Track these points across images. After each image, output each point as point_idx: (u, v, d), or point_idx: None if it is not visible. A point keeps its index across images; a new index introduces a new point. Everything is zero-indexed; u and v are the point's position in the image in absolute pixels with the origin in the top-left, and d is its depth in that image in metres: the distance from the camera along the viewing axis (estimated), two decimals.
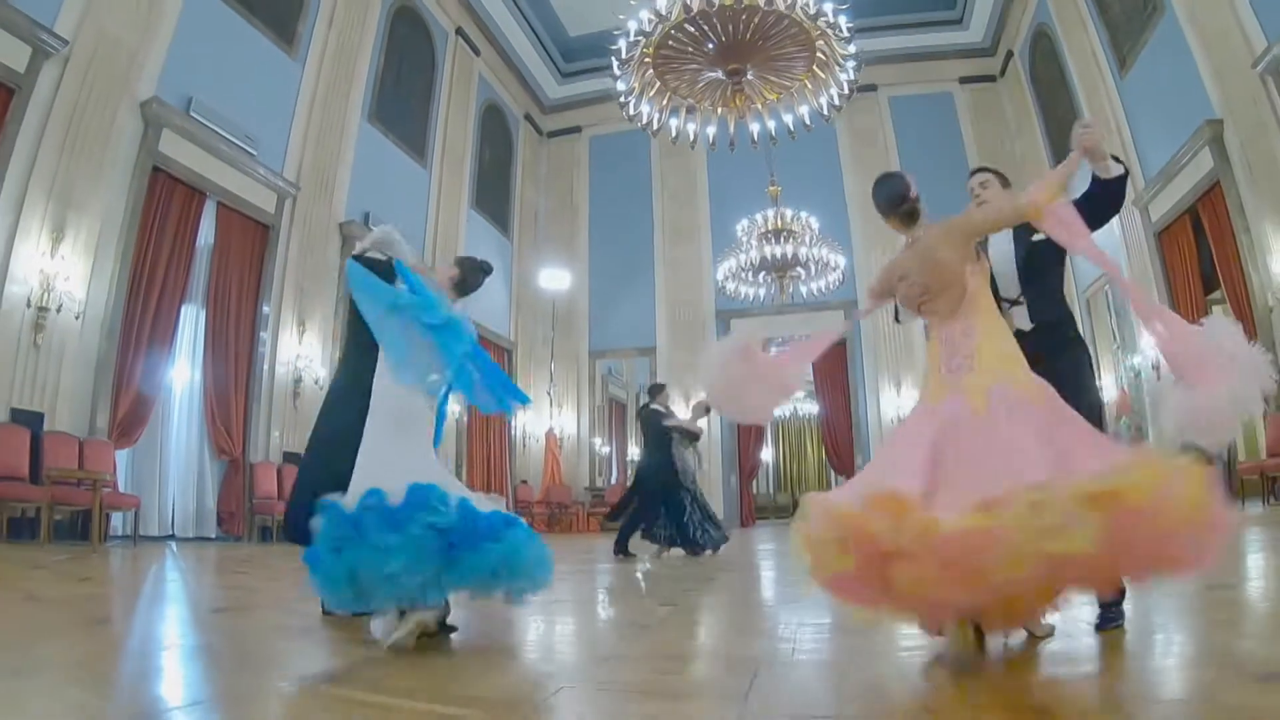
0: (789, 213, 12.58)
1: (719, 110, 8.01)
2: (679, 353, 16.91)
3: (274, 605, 4.01)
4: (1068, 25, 13.91)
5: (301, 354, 11.32)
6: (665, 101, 8.12)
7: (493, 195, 17.48)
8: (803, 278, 13.06)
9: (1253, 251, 9.78)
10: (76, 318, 8.12)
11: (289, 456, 10.66)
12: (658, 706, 1.80)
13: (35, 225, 7.76)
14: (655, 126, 8.27)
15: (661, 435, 8.06)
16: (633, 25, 7.34)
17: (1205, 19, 10.29)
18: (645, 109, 8.02)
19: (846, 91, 7.88)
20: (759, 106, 7.96)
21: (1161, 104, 11.65)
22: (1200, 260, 11.21)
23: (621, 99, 7.75)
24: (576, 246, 18.51)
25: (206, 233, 10.09)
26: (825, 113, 7.95)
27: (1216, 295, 11.22)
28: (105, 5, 8.45)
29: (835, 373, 16.52)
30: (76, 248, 8.16)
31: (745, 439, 16.82)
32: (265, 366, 10.79)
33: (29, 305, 7.64)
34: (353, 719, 1.69)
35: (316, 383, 11.39)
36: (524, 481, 16.47)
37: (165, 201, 9.33)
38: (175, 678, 2.24)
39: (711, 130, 8.36)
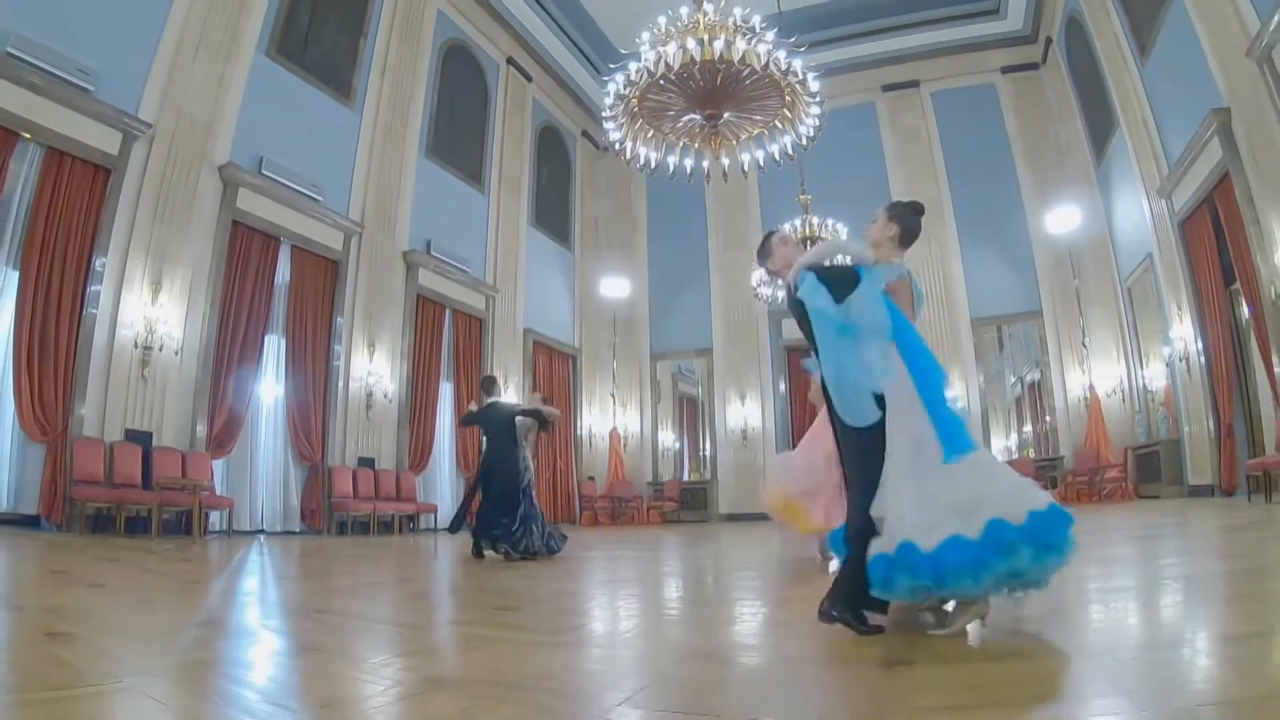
0: (815, 220, 13.35)
1: (696, 146, 9.15)
2: (733, 352, 18.26)
3: (303, 578, 5.72)
4: (1094, 11, 14.15)
5: (372, 371, 13.23)
6: (650, 139, 9.30)
7: (552, 210, 19.19)
8: None
9: (1261, 242, 9.92)
10: (175, 353, 10.18)
11: (363, 461, 12.62)
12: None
13: (137, 280, 9.82)
14: (653, 166, 9.40)
15: (510, 429, 7.93)
16: (620, 78, 8.45)
17: (1206, 3, 10.35)
18: (641, 150, 9.21)
19: (813, 134, 8.86)
20: (734, 144, 9.07)
21: (1178, 92, 11.82)
22: (1220, 251, 11.33)
23: (616, 145, 9.00)
24: (636, 254, 20.03)
25: (283, 271, 12.09)
26: (790, 152, 8.99)
27: (1238, 286, 11.07)
28: (180, 87, 10.46)
29: None
30: (172, 295, 10.21)
31: (799, 435, 17.92)
32: (340, 383, 12.74)
33: (135, 346, 9.71)
34: None
35: (386, 396, 13.33)
36: (590, 478, 18.18)
37: (245, 249, 11.36)
38: (246, 609, 3.91)
39: (690, 163, 9.46)
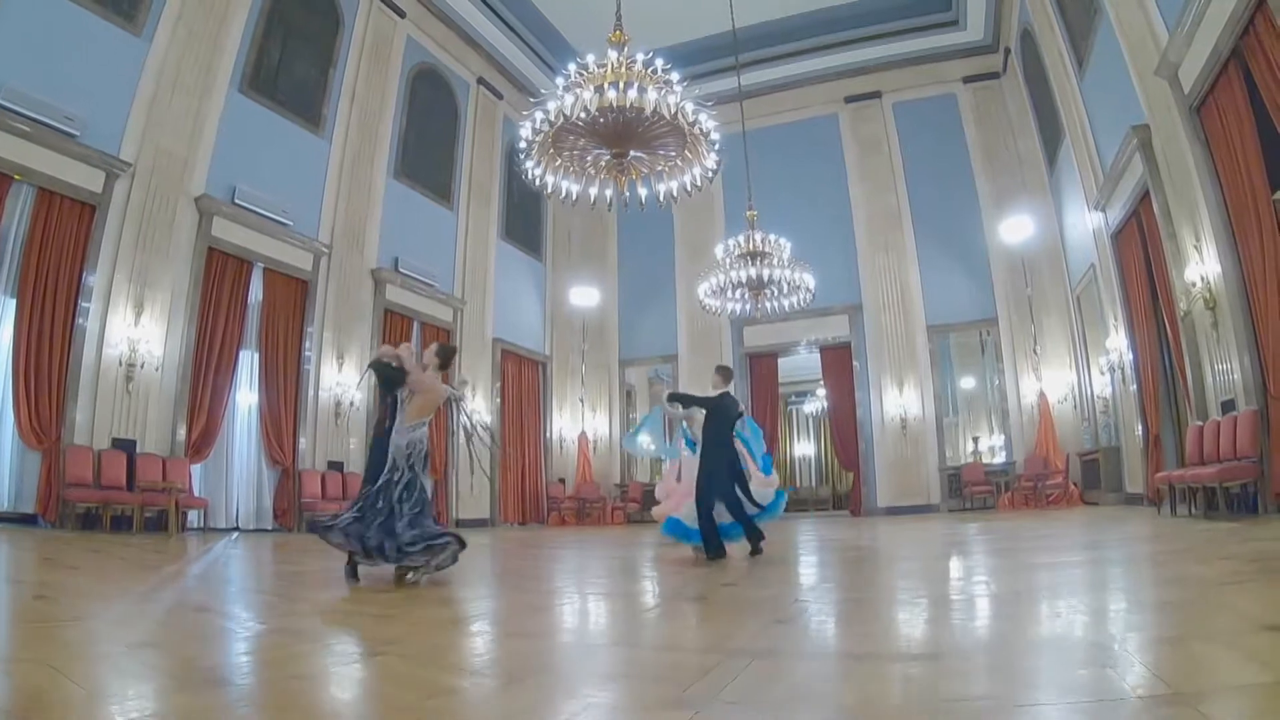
0: (758, 236, 14.19)
1: (602, 178, 10.44)
2: (698, 358, 19.79)
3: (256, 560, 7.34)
4: (1040, 24, 15.05)
5: (340, 382, 14.87)
6: (567, 171, 10.64)
7: (523, 223, 20.83)
8: (774, 295, 14.75)
9: (1177, 258, 10.52)
10: (156, 369, 11.85)
11: (332, 465, 14.28)
12: None
13: (121, 304, 11.49)
14: (574, 197, 10.62)
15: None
16: (539, 115, 9.70)
17: (1127, 20, 10.85)
18: (560, 182, 10.55)
19: (710, 178, 10.16)
20: (636, 178, 10.34)
21: (1110, 106, 12.39)
22: (1148, 264, 11.91)
23: (528, 174, 10.34)
24: (607, 264, 21.72)
25: (256, 292, 13.75)
26: (688, 189, 10.26)
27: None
28: (158, 127, 12.12)
29: (841, 372, 19.00)
30: (154, 317, 11.88)
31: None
32: (310, 393, 14.38)
33: (120, 363, 11.39)
34: None
35: (353, 405, 14.97)
36: (560, 480, 19.84)
37: (220, 273, 13.03)
38: (175, 584, 5.51)
39: (609, 193, 10.67)
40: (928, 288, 18.54)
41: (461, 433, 6.78)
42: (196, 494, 12.10)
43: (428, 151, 18.03)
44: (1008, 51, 18.24)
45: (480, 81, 19.38)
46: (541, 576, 6.53)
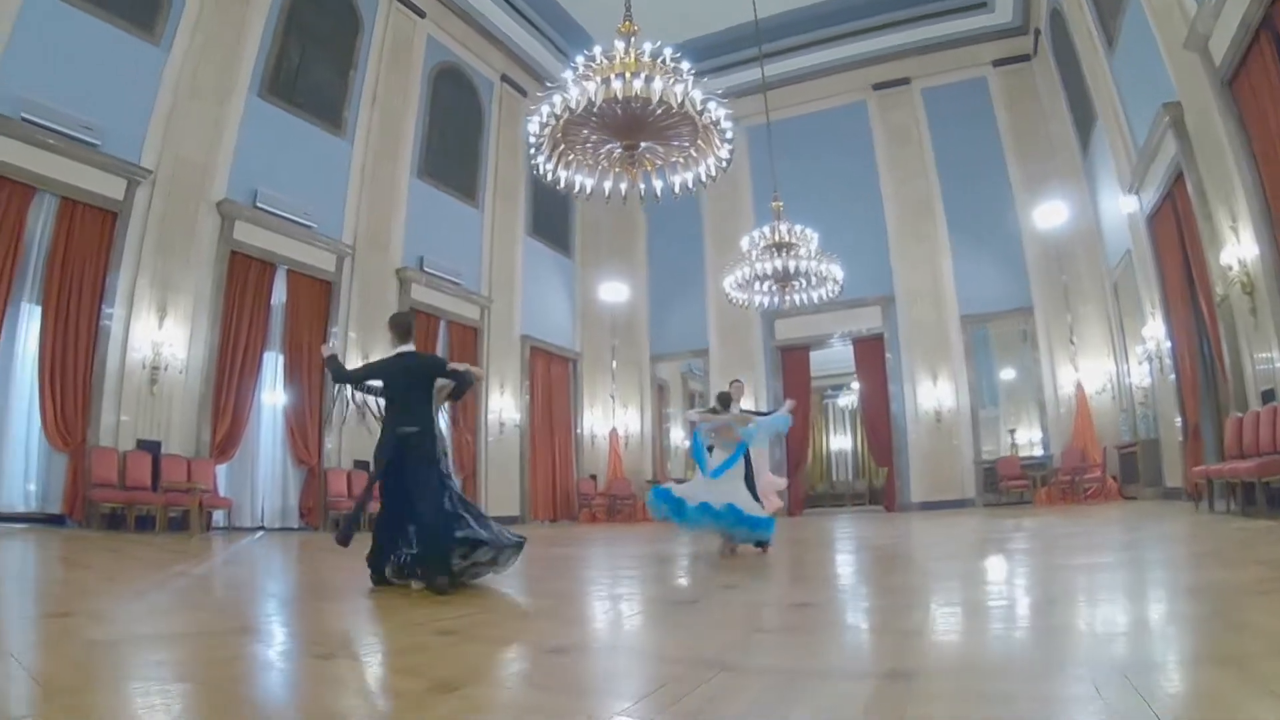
0: (784, 227, 14.09)
1: (616, 171, 10.46)
2: (728, 352, 19.83)
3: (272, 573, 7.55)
4: (1069, 3, 14.71)
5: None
6: (575, 163, 10.66)
7: (551, 220, 20.96)
8: (802, 287, 14.68)
9: (1213, 240, 10.20)
10: (180, 372, 12.18)
11: (358, 464, 14.54)
12: None
13: (144, 309, 11.83)
14: (576, 189, 10.66)
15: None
16: (546, 109, 9.71)
17: None
18: (571, 176, 10.57)
19: (724, 166, 10.12)
20: (650, 170, 10.35)
21: (1141, 84, 12.10)
22: (1184, 248, 11.55)
23: (540, 169, 10.37)
24: (636, 258, 21.79)
25: (279, 293, 14.05)
26: (703, 180, 10.24)
27: None
28: (177, 134, 12.44)
29: (873, 364, 18.88)
30: (177, 320, 12.20)
31: (793, 430, 19.34)
32: (335, 393, 14.62)
33: (144, 366, 11.72)
34: None
35: (380, 404, 15.17)
36: (592, 476, 19.98)
37: (243, 276, 13.33)
38: (175, 580, 5.70)
39: (623, 186, 10.67)
40: (961, 277, 18.28)
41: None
42: (221, 494, 12.40)
43: (452, 150, 18.24)
44: (1037, 33, 17.92)
45: (504, 79, 19.54)
46: (535, 577, 6.62)
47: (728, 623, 3.74)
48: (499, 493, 17.52)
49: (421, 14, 17.13)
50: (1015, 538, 8.44)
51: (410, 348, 5.53)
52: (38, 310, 10.77)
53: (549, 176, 10.14)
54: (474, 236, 18.53)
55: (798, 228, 14.14)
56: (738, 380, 9.34)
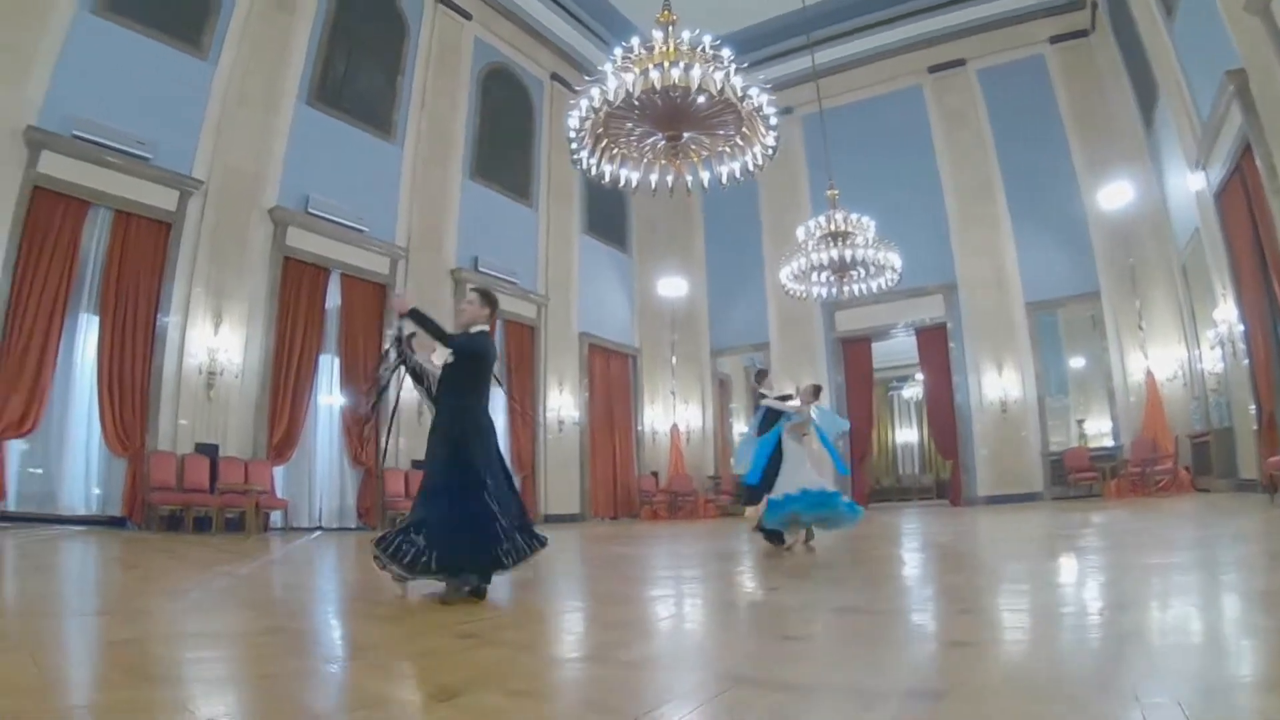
0: (840, 215, 13.78)
1: (661, 163, 10.32)
2: (789, 345, 19.59)
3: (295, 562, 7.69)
4: None
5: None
6: (619, 156, 10.59)
7: (606, 217, 20.96)
8: (861, 277, 14.35)
9: None
10: (236, 376, 12.50)
11: (415, 464, 14.73)
12: None
13: (200, 316, 12.17)
14: (621, 183, 10.45)
15: None
16: (584, 103, 9.65)
17: None
18: (608, 167, 10.48)
19: (770, 154, 9.91)
20: (696, 161, 10.21)
21: (1203, 53, 11.60)
22: (1255, 226, 10.90)
23: (582, 164, 10.27)
24: (694, 253, 21.67)
25: (334, 297, 14.32)
26: (750, 169, 10.04)
27: None
28: (227, 144, 12.78)
29: (937, 354, 18.41)
30: (232, 326, 12.53)
31: (856, 423, 18.96)
32: (392, 394, 14.82)
33: (200, 372, 12.06)
34: None
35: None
36: (653, 473, 19.91)
37: (296, 281, 13.62)
38: (214, 581, 5.85)
39: (663, 178, 10.54)
40: (1024, 263, 17.64)
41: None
42: (279, 495, 12.69)
43: (504, 150, 18.37)
44: (1094, 6, 17.23)
45: (554, 78, 19.61)
46: (578, 577, 6.56)
47: (760, 630, 3.63)
48: (558, 491, 17.59)
49: (468, 16, 17.30)
50: (1082, 534, 8.03)
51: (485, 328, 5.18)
52: (96, 320, 11.18)
53: (592, 171, 10.05)
54: (529, 236, 18.64)
55: (854, 216, 13.85)
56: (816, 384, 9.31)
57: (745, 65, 8.78)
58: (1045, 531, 8.84)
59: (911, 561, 6.84)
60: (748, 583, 5.61)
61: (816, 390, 8.62)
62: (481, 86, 17.94)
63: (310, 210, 13.89)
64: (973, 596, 4.25)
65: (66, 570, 6.68)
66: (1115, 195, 16.25)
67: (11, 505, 10.03)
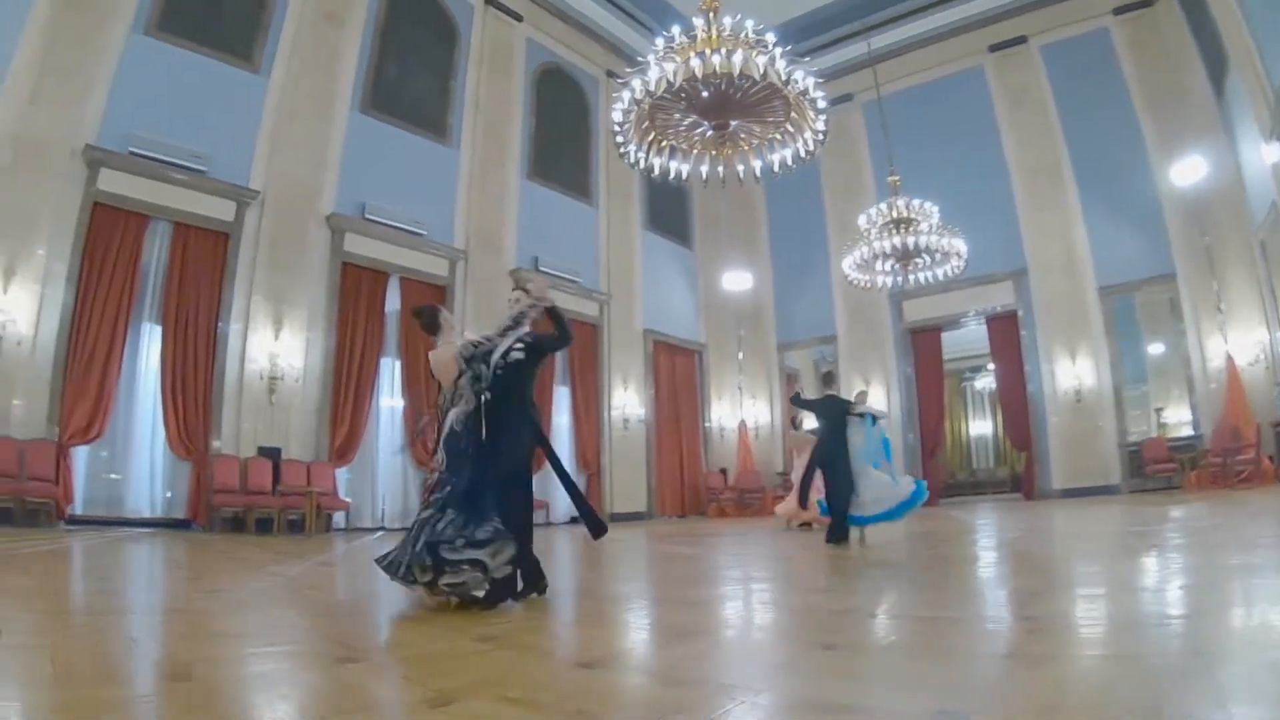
0: (902, 202, 13.51)
1: (711, 154, 10.13)
2: (857, 337, 19.22)
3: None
4: None
5: None
6: (663, 146, 10.40)
7: (668, 212, 20.80)
8: (925, 265, 14.06)
9: None
10: (297, 381, 12.80)
11: None
12: None
13: (260, 322, 12.50)
14: (670, 175, 10.43)
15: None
16: (627, 95, 9.41)
17: None
18: (656, 160, 10.34)
19: (821, 139, 9.64)
20: (747, 150, 10.01)
21: (1274, 18, 11.18)
22: None
23: (629, 158, 10.15)
24: (758, 246, 21.42)
25: (393, 300, 14.55)
26: (803, 155, 9.78)
27: None
28: (283, 156, 13.11)
29: (1008, 343, 17.76)
30: (292, 331, 12.84)
31: (926, 415, 18.52)
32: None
33: (262, 378, 12.38)
34: None
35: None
36: (721, 470, 19.73)
37: (355, 285, 13.88)
38: (253, 578, 5.98)
39: (714, 169, 10.36)
40: (1096, 245, 16.83)
41: None
42: (341, 496, 12.95)
43: (561, 149, 18.42)
44: None
45: (609, 74, 19.55)
46: (625, 580, 6.43)
47: (792, 636, 3.43)
48: (624, 490, 17.54)
49: (518, 18, 17.39)
50: (1159, 531, 7.57)
51: None
52: (158, 329, 11.58)
53: (640, 164, 9.95)
54: (590, 234, 18.63)
55: (915, 202, 13.54)
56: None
57: (799, 55, 8.59)
58: (1121, 527, 8.36)
59: (970, 561, 6.48)
60: (797, 584, 5.40)
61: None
62: (535, 86, 18.01)
63: (367, 216, 14.14)
64: (1030, 602, 3.87)
65: (114, 570, 6.85)
66: (1188, 171, 15.29)
67: (79, 509, 10.47)
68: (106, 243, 10.97)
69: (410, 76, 15.55)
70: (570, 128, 18.83)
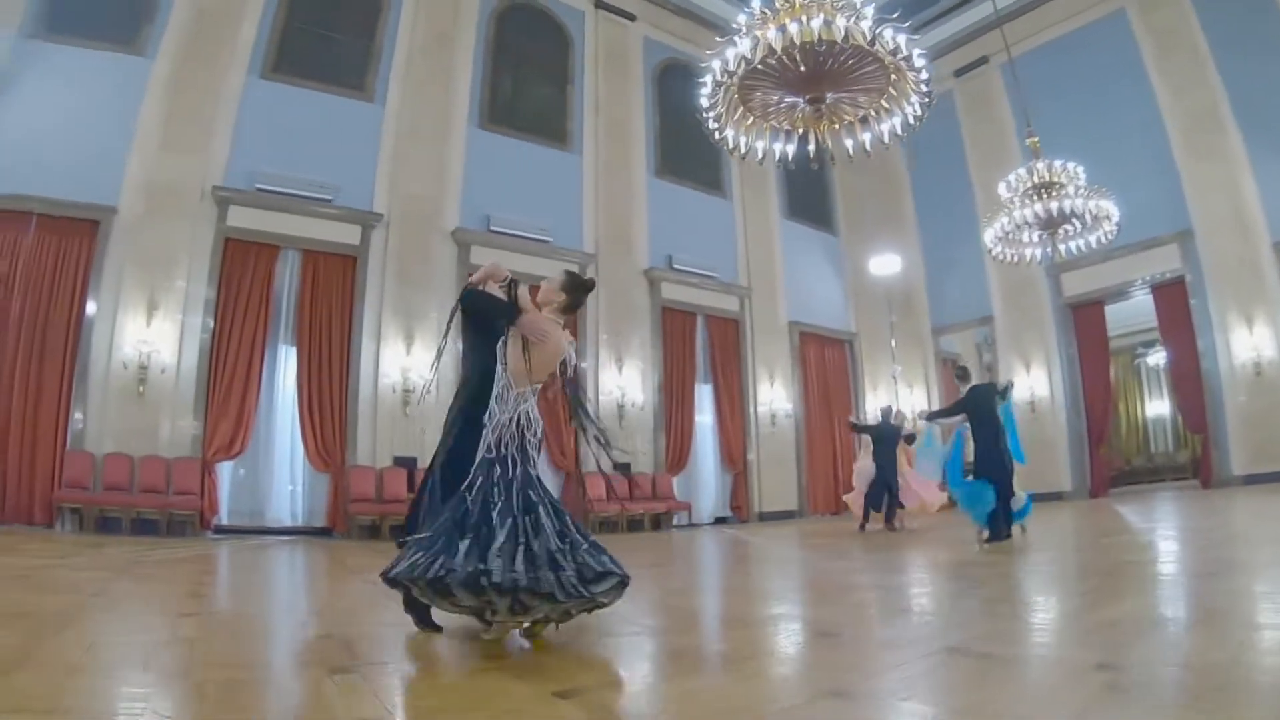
0: (1043, 165, 12.53)
1: (800, 131, 9.66)
2: (1014, 316, 18.04)
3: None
4: None
5: (620, 384, 15.54)
6: (750, 124, 10.13)
7: (808, 198, 20.15)
8: (1076, 232, 12.87)
9: None
10: (428, 392, 13.28)
11: (618, 467, 14.90)
12: None
13: (392, 337, 13.08)
14: (760, 156, 10.04)
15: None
16: (717, 65, 8.62)
17: None
18: (730, 134, 10.14)
19: (921, 113, 9.04)
20: (838, 127, 9.51)
21: None
22: None
23: (718, 136, 9.93)
24: (905, 226, 20.43)
25: None
26: (899, 132, 9.18)
27: None
28: (404, 178, 13.69)
29: (1177, 313, 16.07)
30: (424, 345, 13.32)
31: (1092, 399, 17.08)
32: (591, 395, 15.19)
33: (394, 391, 12.94)
34: None
35: (635, 406, 15.56)
36: None
37: None
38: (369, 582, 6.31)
39: (791, 149, 9.91)
40: (1268, 196, 14.86)
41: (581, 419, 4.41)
42: None
43: (690, 144, 18.21)
44: None
45: None
46: (697, 590, 6.24)
47: (808, 680, 2.95)
48: (772, 488, 17.09)
49: (631, 18, 17.44)
50: None
51: None
52: (293, 351, 12.33)
53: (729, 144, 9.72)
54: (726, 228, 18.35)
55: (1059, 163, 12.44)
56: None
57: (924, 23, 8.02)
58: None
59: (1095, 573, 5.54)
60: (894, 599, 5.06)
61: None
62: (657, 84, 17.98)
63: (492, 228, 14.52)
64: (1137, 627, 3.31)
65: (224, 572, 7.33)
66: None
67: (224, 519, 11.27)
68: (240, 273, 11.82)
69: (526, 87, 15.92)
70: (696, 122, 18.51)
